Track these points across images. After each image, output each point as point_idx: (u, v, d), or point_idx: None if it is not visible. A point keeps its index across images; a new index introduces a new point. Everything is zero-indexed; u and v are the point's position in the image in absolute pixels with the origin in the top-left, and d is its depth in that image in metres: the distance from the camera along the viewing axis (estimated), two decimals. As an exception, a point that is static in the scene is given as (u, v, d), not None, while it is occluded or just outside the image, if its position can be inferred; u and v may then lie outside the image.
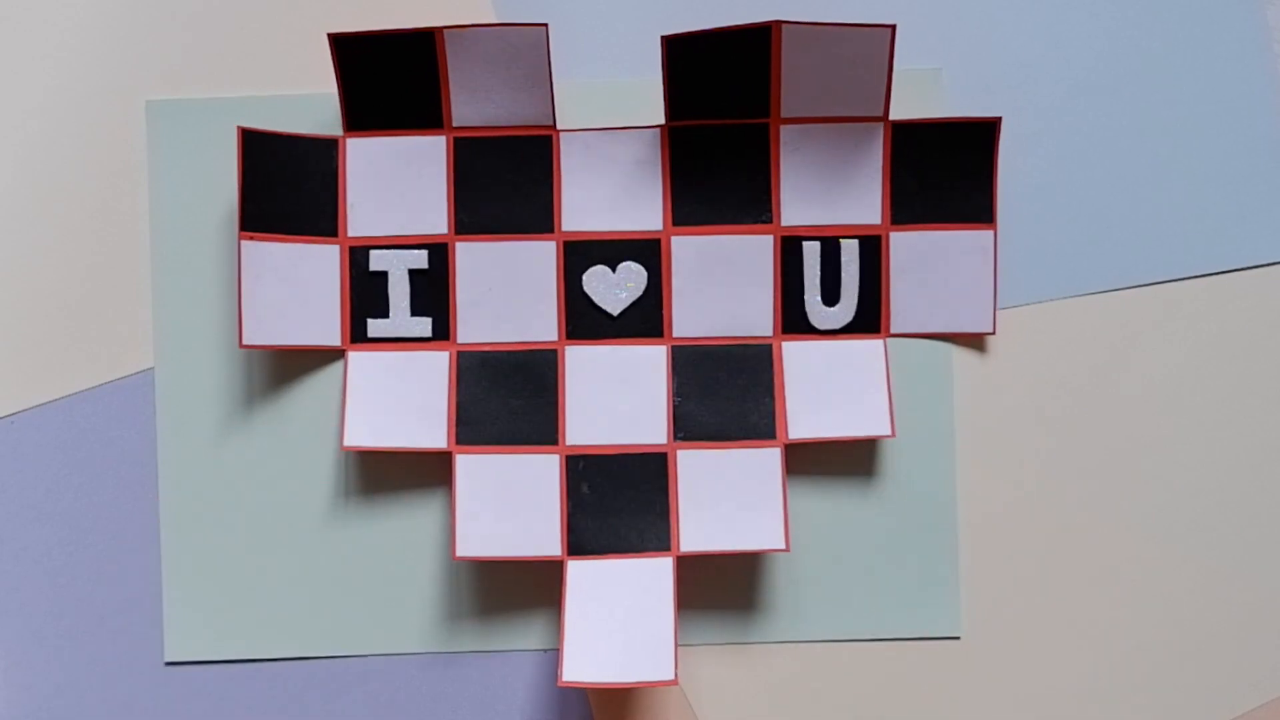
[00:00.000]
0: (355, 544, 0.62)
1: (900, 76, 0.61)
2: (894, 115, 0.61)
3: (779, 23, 0.58)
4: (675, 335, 0.62)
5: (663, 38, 0.58)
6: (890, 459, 0.62)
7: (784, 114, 0.60)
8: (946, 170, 0.61)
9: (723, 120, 0.61)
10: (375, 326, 0.62)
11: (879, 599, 0.62)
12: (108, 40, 0.62)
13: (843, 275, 0.61)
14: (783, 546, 0.59)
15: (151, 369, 0.62)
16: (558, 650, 0.60)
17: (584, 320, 0.62)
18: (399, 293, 0.62)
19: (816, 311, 0.61)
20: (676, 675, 0.57)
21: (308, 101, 0.62)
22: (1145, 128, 0.62)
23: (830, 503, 0.62)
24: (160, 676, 0.61)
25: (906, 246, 0.61)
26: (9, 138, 0.62)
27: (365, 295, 0.62)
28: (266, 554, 0.62)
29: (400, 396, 0.61)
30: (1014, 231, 0.62)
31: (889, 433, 0.60)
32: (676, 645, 0.58)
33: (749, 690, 0.62)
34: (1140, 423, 0.62)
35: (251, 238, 0.60)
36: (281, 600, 0.62)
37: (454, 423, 0.61)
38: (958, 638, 0.62)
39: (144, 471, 0.62)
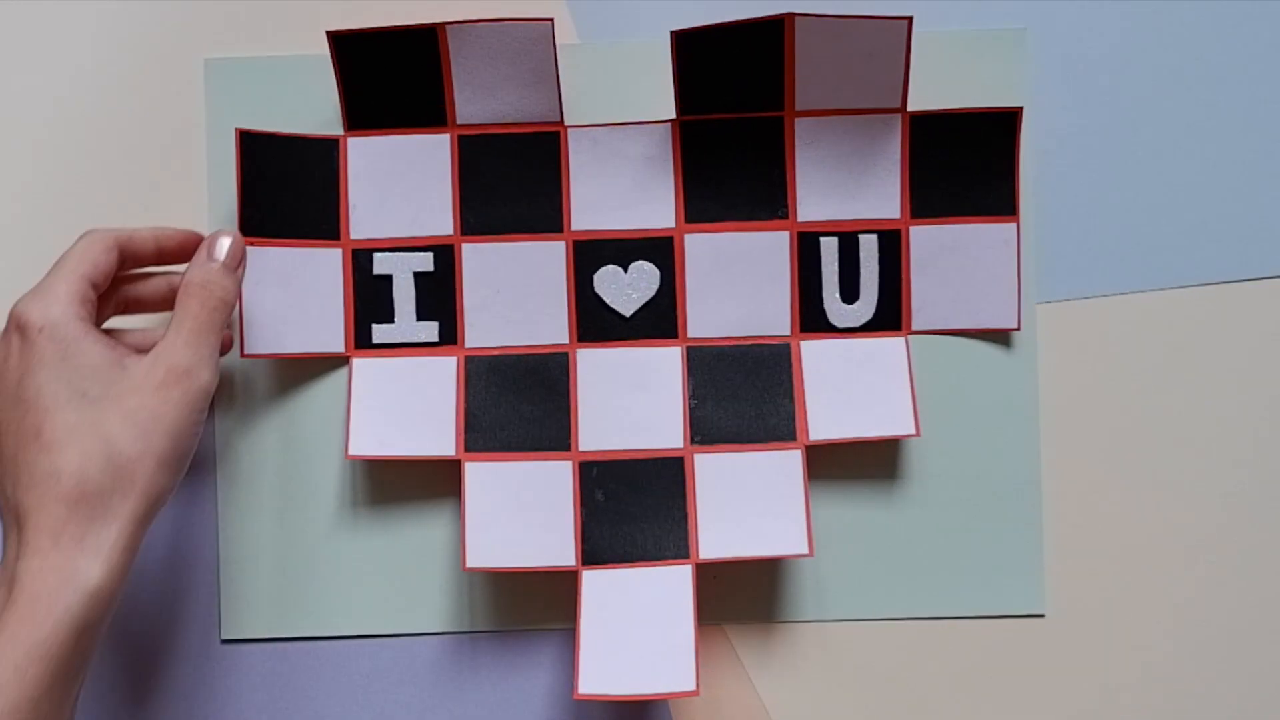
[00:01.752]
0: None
1: (980, 38, 0.63)
2: (972, 79, 0.62)
3: (792, 15, 0.59)
4: (690, 336, 0.63)
5: (672, 33, 0.59)
6: (973, 438, 0.63)
7: (799, 107, 0.62)
8: (967, 162, 0.62)
9: (735, 114, 0.62)
10: (380, 332, 0.63)
11: (963, 577, 0.63)
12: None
13: (861, 271, 0.63)
14: (805, 551, 0.60)
15: None
16: (573, 662, 0.61)
17: (595, 322, 0.63)
18: (404, 296, 0.63)
19: (835, 309, 0.63)
20: (698, 685, 0.58)
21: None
22: (1215, 127, 0.64)
23: (918, 484, 0.63)
24: (216, 652, 0.64)
25: (927, 240, 0.63)
26: (68, 98, 0.64)
27: (369, 300, 0.63)
28: (313, 541, 0.64)
29: (407, 403, 0.62)
30: (1104, 220, 0.64)
31: (913, 432, 0.61)
32: (698, 655, 0.59)
33: (837, 666, 0.64)
34: (1224, 409, 0.64)
35: (251, 243, 0.61)
36: (327, 583, 0.64)
37: (463, 429, 0.62)
38: (1042, 615, 0.64)
39: (201, 450, 0.64)
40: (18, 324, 0.53)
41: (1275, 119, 0.64)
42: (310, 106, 0.64)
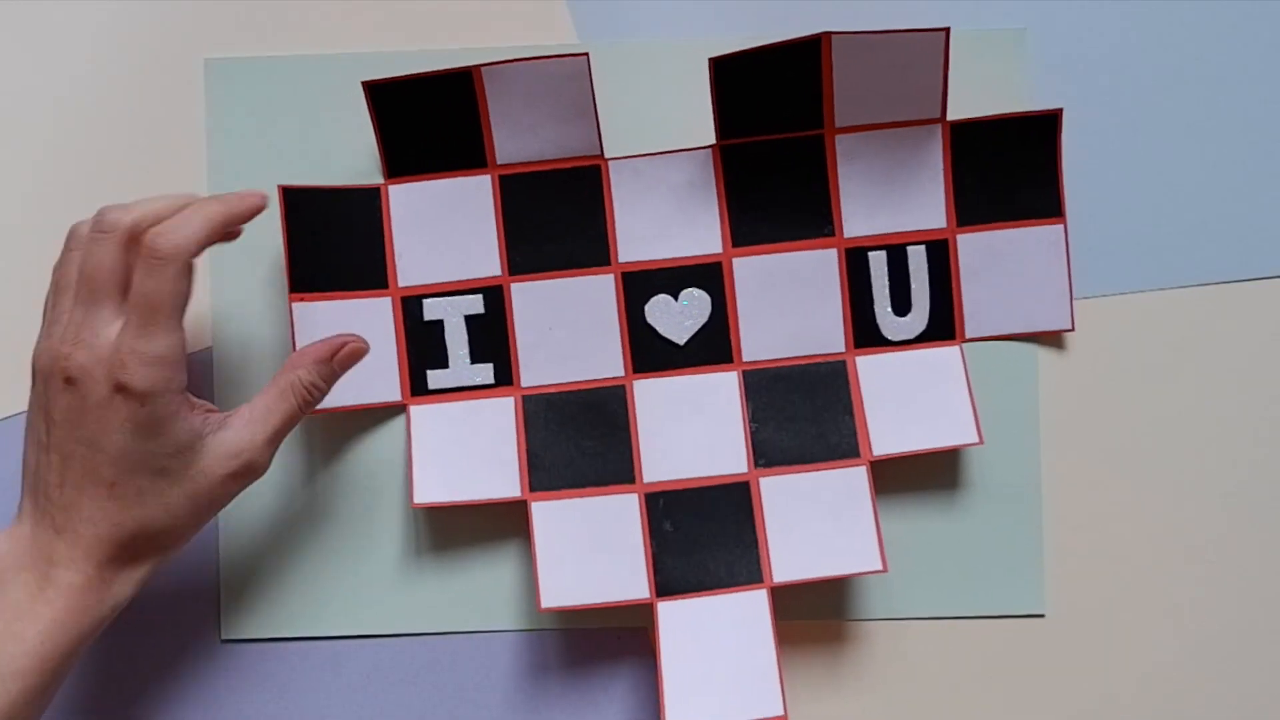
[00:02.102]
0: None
1: (980, 38, 0.63)
2: (972, 80, 0.63)
3: (829, 34, 0.59)
4: (745, 359, 0.64)
5: (710, 60, 0.60)
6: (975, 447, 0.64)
7: (838, 124, 0.62)
8: (1009, 167, 0.63)
9: (775, 135, 0.63)
10: (435, 378, 0.63)
11: (963, 577, 0.64)
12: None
13: (912, 283, 0.63)
14: (879, 568, 0.61)
15: (209, 349, 0.65)
16: (658, 696, 0.61)
17: (650, 352, 0.64)
18: (456, 340, 0.63)
19: (888, 322, 0.63)
20: (785, 709, 0.59)
21: (364, 60, 0.64)
22: (1215, 127, 0.65)
23: (919, 486, 0.64)
24: (216, 652, 0.65)
25: (975, 248, 0.63)
26: (68, 98, 0.64)
27: (422, 346, 0.63)
28: (314, 542, 0.65)
29: (468, 447, 0.63)
30: (1101, 221, 0.64)
31: (976, 440, 0.62)
32: (782, 678, 0.60)
33: (836, 666, 0.64)
34: (1223, 409, 0.65)
35: (302, 299, 0.62)
36: (328, 583, 0.65)
37: (525, 470, 0.63)
38: (1042, 615, 0.65)
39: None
40: (119, 385, 0.53)
41: (1275, 119, 0.65)
42: (310, 108, 0.64)
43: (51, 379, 0.54)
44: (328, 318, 0.62)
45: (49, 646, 0.53)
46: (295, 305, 0.62)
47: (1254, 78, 0.65)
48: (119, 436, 0.54)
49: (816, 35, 0.59)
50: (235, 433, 0.56)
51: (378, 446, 0.64)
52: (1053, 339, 0.64)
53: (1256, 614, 0.65)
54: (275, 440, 0.57)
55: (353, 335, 0.60)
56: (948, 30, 0.59)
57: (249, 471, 0.56)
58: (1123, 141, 0.65)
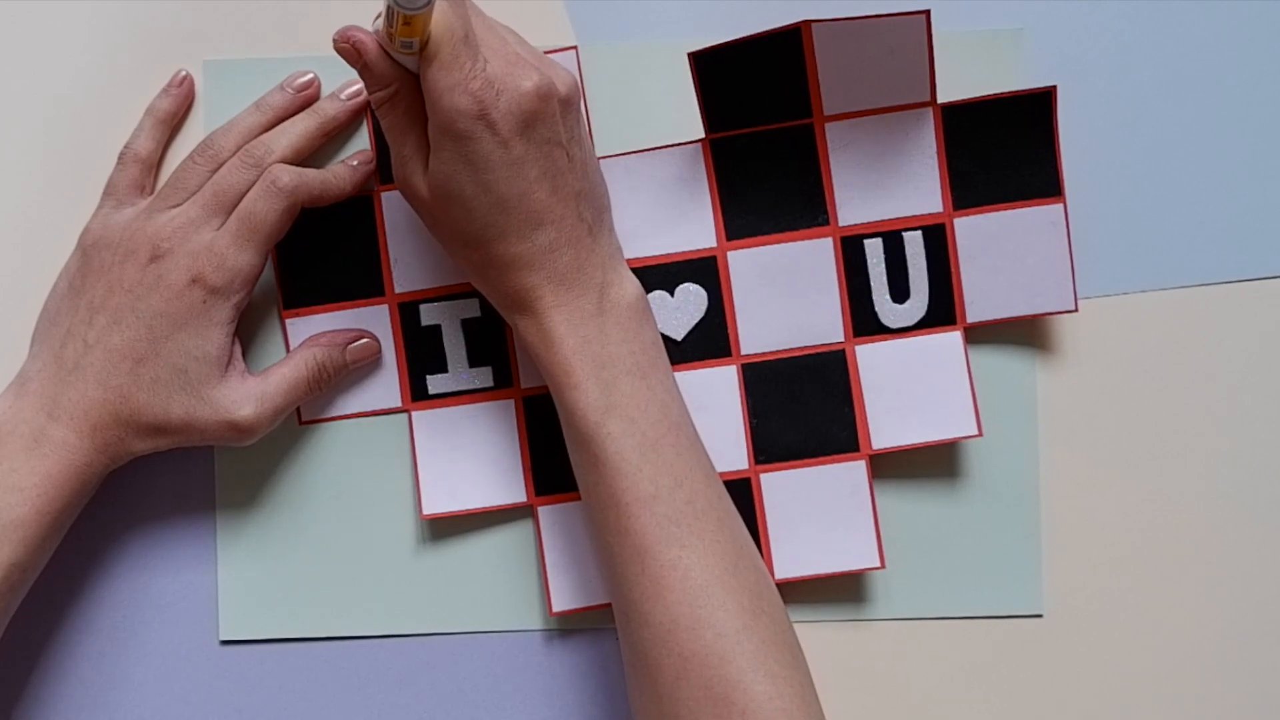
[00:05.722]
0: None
1: (978, 38, 0.64)
2: (969, 79, 0.63)
3: (808, 23, 0.60)
4: (744, 353, 0.65)
5: (689, 55, 0.61)
6: (976, 442, 0.65)
7: (827, 111, 0.63)
8: (1005, 147, 0.63)
9: (764, 126, 0.64)
10: (435, 383, 0.66)
11: (962, 577, 0.66)
12: (166, 0, 0.67)
13: (909, 269, 0.64)
14: (877, 565, 0.62)
15: None
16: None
17: (647, 349, 0.65)
18: (454, 344, 0.65)
19: (887, 310, 0.64)
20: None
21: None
22: (1213, 127, 0.65)
23: (917, 485, 0.65)
24: (215, 654, 0.67)
25: (973, 231, 0.64)
26: (69, 98, 0.67)
27: (421, 351, 0.65)
28: (312, 541, 0.67)
29: (472, 453, 0.65)
30: (1100, 222, 0.65)
31: (975, 432, 0.63)
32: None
33: (835, 666, 0.66)
34: (1223, 409, 0.66)
35: (296, 314, 0.64)
36: (328, 583, 0.67)
37: (530, 472, 0.65)
38: (1040, 615, 0.66)
39: (201, 454, 0.67)
40: (197, 276, 0.60)
41: (1274, 119, 0.65)
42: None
43: (136, 253, 0.61)
44: (324, 328, 0.65)
45: (44, 500, 0.59)
46: (289, 321, 0.64)
47: (1253, 78, 0.65)
48: (170, 321, 0.60)
49: (796, 24, 0.60)
50: (249, 385, 0.62)
51: (375, 447, 0.66)
52: (1051, 341, 0.65)
53: (1256, 614, 0.66)
54: (278, 407, 0.62)
55: (367, 332, 0.64)
56: (928, 13, 0.60)
57: (243, 425, 0.61)
58: (1121, 141, 0.65)
